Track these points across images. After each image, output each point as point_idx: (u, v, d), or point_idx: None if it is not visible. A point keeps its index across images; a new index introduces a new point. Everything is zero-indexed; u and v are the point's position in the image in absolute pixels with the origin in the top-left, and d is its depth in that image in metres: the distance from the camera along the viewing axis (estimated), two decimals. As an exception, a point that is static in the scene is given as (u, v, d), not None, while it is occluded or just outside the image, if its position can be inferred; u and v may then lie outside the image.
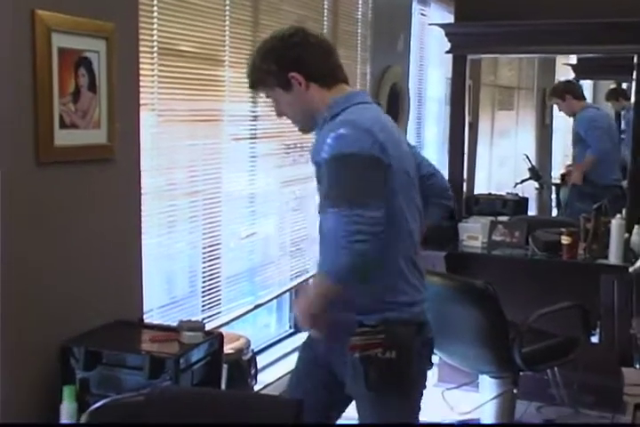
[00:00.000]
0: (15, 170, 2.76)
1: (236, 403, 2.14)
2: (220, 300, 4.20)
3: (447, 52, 5.04)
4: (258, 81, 2.74)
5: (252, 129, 4.32)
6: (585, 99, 6.54)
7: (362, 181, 2.43)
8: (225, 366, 3.15)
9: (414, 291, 2.66)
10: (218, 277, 4.18)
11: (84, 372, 2.91)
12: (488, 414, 4.17)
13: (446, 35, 4.99)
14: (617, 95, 7.21)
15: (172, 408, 2.09)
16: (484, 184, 6.88)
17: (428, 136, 6.96)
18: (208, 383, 3.01)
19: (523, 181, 6.86)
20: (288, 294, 4.94)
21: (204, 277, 4.08)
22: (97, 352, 2.91)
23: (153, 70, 3.46)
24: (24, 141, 2.79)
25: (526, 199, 6.13)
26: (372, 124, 2.53)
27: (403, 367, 2.57)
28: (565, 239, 4.53)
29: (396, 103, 5.91)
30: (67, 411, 2.90)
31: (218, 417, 2.03)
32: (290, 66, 2.62)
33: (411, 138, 6.49)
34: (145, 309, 3.50)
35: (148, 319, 3.47)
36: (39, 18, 2.77)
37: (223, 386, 3.14)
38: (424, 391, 2.80)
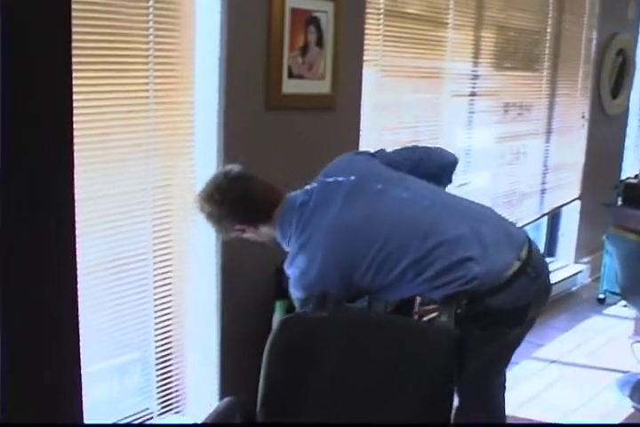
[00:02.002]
0: (247, 112, 2.98)
1: (401, 328, 2.24)
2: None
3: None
4: (223, 230, 2.72)
5: (472, 87, 4.34)
6: None
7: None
8: (418, 298, 3.23)
9: (462, 276, 2.45)
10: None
11: (294, 291, 3.11)
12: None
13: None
14: None
15: (347, 326, 2.22)
16: None
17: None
18: (400, 313, 3.12)
19: None
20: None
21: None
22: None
23: (379, 30, 3.58)
24: (257, 88, 3.00)
25: None
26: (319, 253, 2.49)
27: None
28: None
29: (621, 69, 5.71)
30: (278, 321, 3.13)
31: (382, 338, 2.14)
32: (234, 223, 2.64)
33: (635, 104, 6.24)
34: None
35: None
36: (276, -17, 2.95)
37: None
38: (492, 355, 2.69)
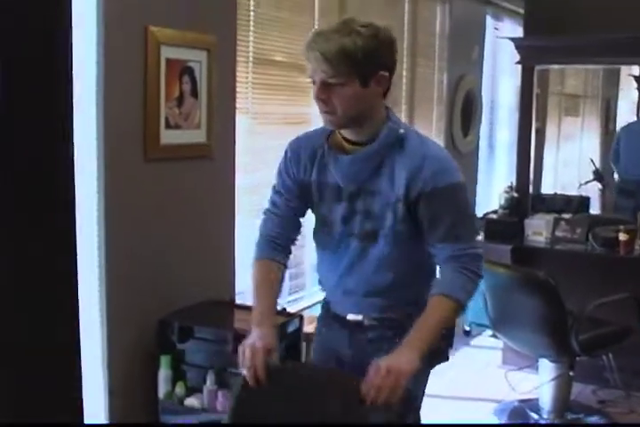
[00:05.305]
0: (126, 165, 2.85)
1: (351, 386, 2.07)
2: (304, 284, 4.26)
3: (517, 62, 5.00)
4: (346, 69, 2.02)
5: (336, 131, 4.34)
6: None
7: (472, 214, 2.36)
8: (304, 343, 3.19)
9: None
10: (302, 263, 4.24)
11: (179, 344, 3.00)
12: (546, 395, 4.13)
13: (516, 47, 4.94)
14: None
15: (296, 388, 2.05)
16: (550, 184, 6.79)
17: (500, 139, 6.90)
18: (289, 358, 3.05)
19: (587, 182, 6.76)
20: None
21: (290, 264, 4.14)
22: (189, 327, 2.98)
23: (248, 77, 3.53)
24: (135, 140, 2.88)
25: (588, 198, 6.02)
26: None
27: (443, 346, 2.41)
28: (623, 236, 4.45)
29: (469, 108, 5.88)
30: (163, 377, 3.00)
31: (332, 398, 2.00)
32: (387, 66, 2.11)
33: (483, 141, 6.45)
34: (238, 290, 3.56)
35: (240, 300, 3.53)
36: (151, 33, 2.87)
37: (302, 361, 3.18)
38: None
